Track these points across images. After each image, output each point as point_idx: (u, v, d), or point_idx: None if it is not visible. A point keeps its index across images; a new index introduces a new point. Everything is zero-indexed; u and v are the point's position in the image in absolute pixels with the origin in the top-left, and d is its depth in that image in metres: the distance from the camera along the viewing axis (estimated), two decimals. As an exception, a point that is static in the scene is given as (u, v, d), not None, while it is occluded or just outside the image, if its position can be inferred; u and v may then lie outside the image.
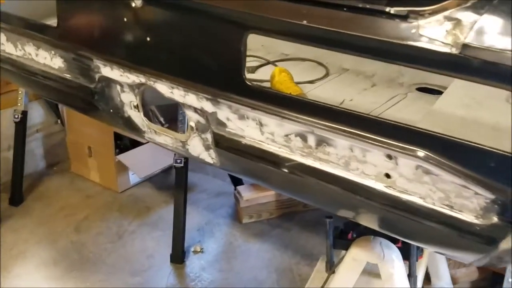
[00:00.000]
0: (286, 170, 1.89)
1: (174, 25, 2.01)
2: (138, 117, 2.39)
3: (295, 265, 3.62)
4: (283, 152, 1.88)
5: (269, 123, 1.86)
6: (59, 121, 4.58)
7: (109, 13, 2.20)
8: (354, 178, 1.72)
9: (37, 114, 4.47)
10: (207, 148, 2.18)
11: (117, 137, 4.21)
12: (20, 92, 4.03)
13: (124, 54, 2.20)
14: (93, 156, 4.40)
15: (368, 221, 1.96)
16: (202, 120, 2.10)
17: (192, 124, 2.15)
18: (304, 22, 1.64)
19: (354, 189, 1.73)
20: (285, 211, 4.08)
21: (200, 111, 2.07)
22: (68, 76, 2.49)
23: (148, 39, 2.06)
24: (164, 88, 2.11)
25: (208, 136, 2.13)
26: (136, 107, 2.34)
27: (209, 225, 4.02)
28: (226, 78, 1.91)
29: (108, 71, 2.29)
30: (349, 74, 2.61)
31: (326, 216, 2.60)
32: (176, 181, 3.63)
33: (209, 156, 2.21)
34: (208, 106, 2.01)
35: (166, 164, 4.27)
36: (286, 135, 1.84)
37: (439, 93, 2.25)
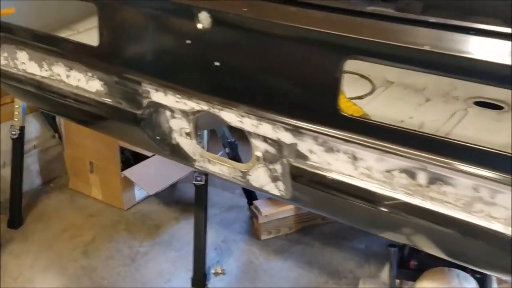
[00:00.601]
0: (383, 209, 1.71)
1: (251, 49, 1.79)
2: (189, 145, 2.17)
3: (324, 285, 3.45)
4: (381, 189, 1.69)
5: (365, 157, 1.68)
6: (56, 135, 4.28)
7: (167, 34, 1.97)
8: (476, 221, 1.55)
9: (32, 127, 4.16)
10: (275, 179, 1.99)
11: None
12: (17, 106, 3.73)
13: (183, 80, 1.98)
14: (95, 172, 4.13)
15: (484, 265, 1.80)
16: (272, 151, 1.90)
17: (259, 154, 1.95)
18: (426, 47, 1.46)
19: (474, 233, 1.56)
20: (304, 225, 3.91)
21: (272, 141, 1.87)
22: (108, 100, 2.25)
23: (216, 64, 1.84)
24: (231, 116, 1.90)
25: (278, 167, 1.93)
26: (189, 134, 2.12)
27: (226, 243, 3.82)
28: (315, 108, 1.71)
29: (161, 96, 2.06)
30: (396, 88, 2.44)
31: (389, 244, 2.44)
32: (196, 199, 3.43)
33: (276, 188, 2.01)
34: (286, 137, 1.82)
35: (176, 178, 4.04)
36: (388, 171, 1.65)
37: (498, 107, 2.11)
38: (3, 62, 2.54)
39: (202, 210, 3.38)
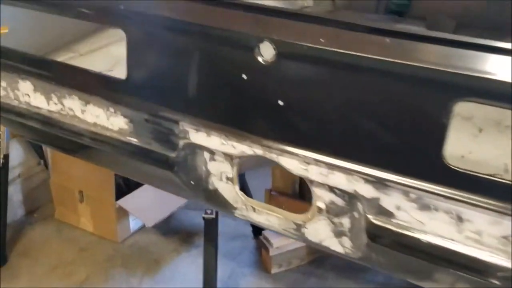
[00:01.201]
0: (494, 281, 1.44)
1: (327, 86, 1.51)
2: (230, 191, 1.88)
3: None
4: (493, 258, 1.42)
5: (474, 219, 1.41)
6: (41, 161, 3.91)
7: (217, 66, 1.66)
8: None
9: (16, 153, 3.78)
10: (339, 234, 1.71)
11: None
12: (0, 131, 3.35)
13: (234, 120, 1.68)
14: (85, 202, 3.79)
15: None
16: (340, 203, 1.62)
17: (321, 205, 1.67)
18: None
19: None
20: (316, 255, 3.64)
21: (342, 192, 1.59)
22: (133, 140, 1.94)
23: (280, 103, 1.55)
24: (293, 163, 1.62)
25: (345, 221, 1.66)
26: (230, 179, 1.83)
27: (233, 278, 3.52)
28: (410, 157, 1.44)
29: (202, 138, 1.76)
30: None
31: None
32: (205, 234, 3.12)
33: (339, 244, 1.73)
34: (366, 190, 1.54)
35: (175, 207, 3.72)
36: (504, 237, 1.38)
37: None
38: (2, 93, 2.19)
39: (213, 246, 3.08)
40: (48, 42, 2.52)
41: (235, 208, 1.92)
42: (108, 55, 2.56)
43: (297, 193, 3.63)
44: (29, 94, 2.12)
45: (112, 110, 1.92)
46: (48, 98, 2.07)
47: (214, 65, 1.66)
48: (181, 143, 1.83)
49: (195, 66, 1.69)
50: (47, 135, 2.18)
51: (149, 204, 3.69)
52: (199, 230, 3.80)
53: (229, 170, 1.83)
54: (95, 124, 2.00)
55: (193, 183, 1.93)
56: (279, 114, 1.59)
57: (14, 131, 2.63)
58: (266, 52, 1.54)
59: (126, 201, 3.64)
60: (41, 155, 3.90)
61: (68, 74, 1.98)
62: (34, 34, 2.43)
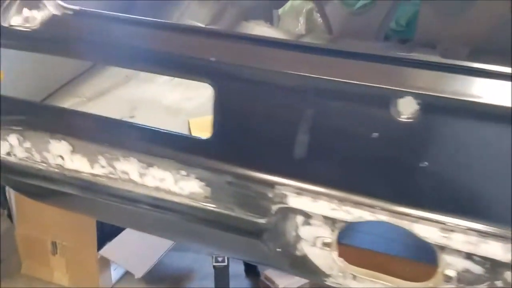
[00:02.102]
0: None
1: (487, 144, 1.33)
2: (325, 257, 1.66)
3: None
4: None
5: None
6: (5, 211, 3.47)
7: (336, 124, 1.45)
8: None
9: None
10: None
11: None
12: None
13: (355, 184, 1.47)
14: (59, 253, 3.40)
15: None
16: (478, 271, 1.46)
17: (451, 273, 1.49)
18: None
19: None
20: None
21: (483, 260, 1.42)
22: (209, 206, 1.67)
23: (423, 164, 1.36)
24: (431, 231, 1.44)
25: (481, 290, 1.49)
26: (328, 245, 1.61)
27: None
28: None
29: (305, 202, 1.54)
30: None
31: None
32: (216, 284, 2.86)
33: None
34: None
35: (162, 251, 3.41)
36: None
37: None
38: (22, 154, 1.85)
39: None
40: (43, 86, 2.20)
41: (329, 276, 1.70)
42: (120, 99, 2.27)
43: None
44: (63, 156, 1.79)
45: (184, 173, 1.65)
46: (93, 161, 1.75)
47: (334, 122, 1.45)
48: (275, 208, 1.60)
49: (307, 123, 1.47)
50: (84, 202, 1.86)
51: (133, 251, 3.36)
52: (187, 273, 3.54)
53: (328, 235, 1.62)
54: (157, 189, 1.71)
55: (279, 250, 1.69)
56: (418, 176, 1.40)
57: (32, 198, 2.23)
58: (406, 108, 1.34)
59: (109, 250, 3.29)
60: (4, 203, 3.45)
61: (124, 134, 1.68)
62: (26, 78, 2.10)
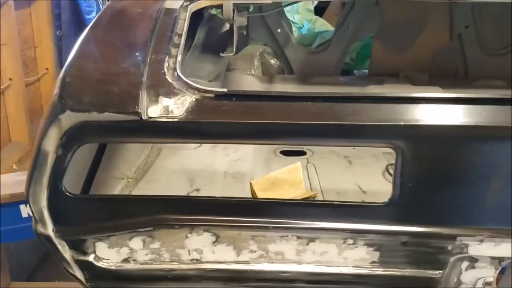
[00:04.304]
0: None
1: None
2: (483, 296, 1.69)
3: None
4: None
5: None
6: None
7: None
8: None
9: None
10: None
11: None
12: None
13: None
14: None
15: None
16: None
17: None
18: None
19: None
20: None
21: None
22: (377, 270, 1.63)
23: None
24: None
25: None
26: (489, 283, 1.66)
27: None
28: None
29: (486, 248, 1.56)
30: None
31: None
32: None
33: None
34: None
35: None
36: None
37: None
38: (144, 258, 1.68)
39: None
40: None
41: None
42: (170, 173, 2.10)
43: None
44: (202, 249, 1.65)
45: (350, 241, 1.59)
46: (240, 248, 1.64)
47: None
48: (452, 259, 1.60)
49: (498, 171, 1.48)
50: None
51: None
52: None
53: (491, 274, 1.65)
54: (316, 262, 1.64)
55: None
56: None
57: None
58: None
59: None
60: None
61: (288, 214, 1.59)
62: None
